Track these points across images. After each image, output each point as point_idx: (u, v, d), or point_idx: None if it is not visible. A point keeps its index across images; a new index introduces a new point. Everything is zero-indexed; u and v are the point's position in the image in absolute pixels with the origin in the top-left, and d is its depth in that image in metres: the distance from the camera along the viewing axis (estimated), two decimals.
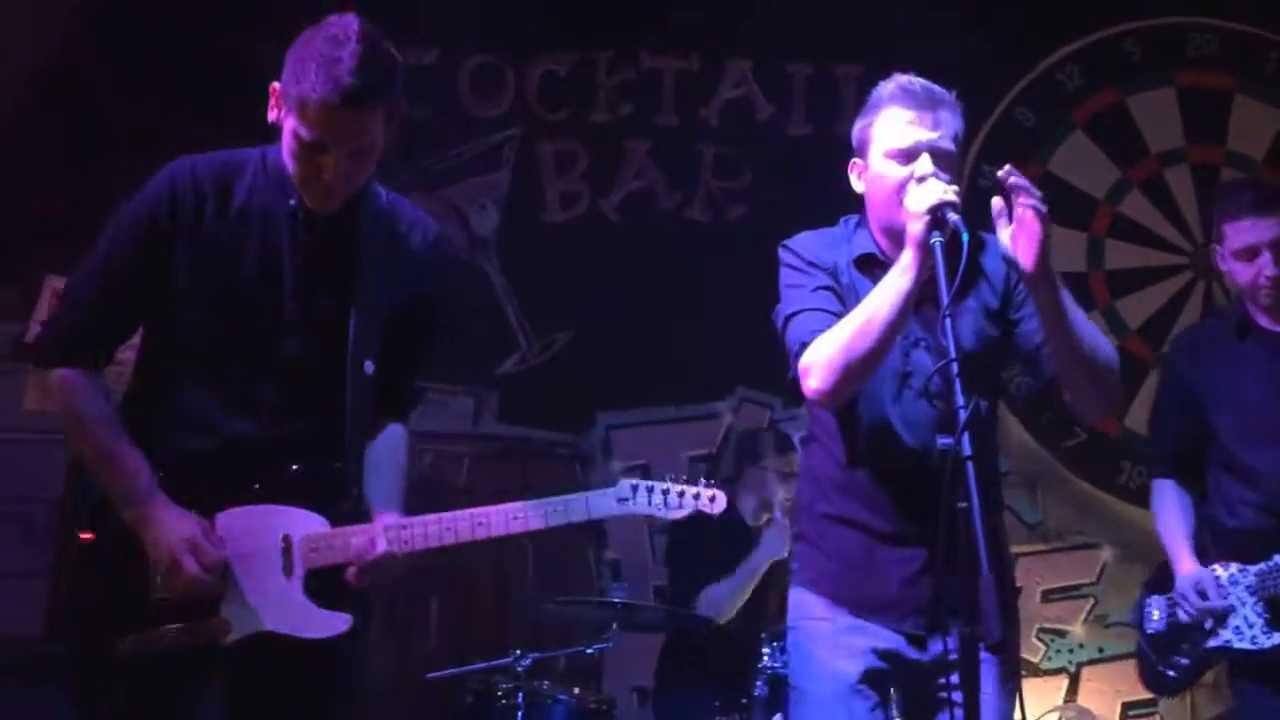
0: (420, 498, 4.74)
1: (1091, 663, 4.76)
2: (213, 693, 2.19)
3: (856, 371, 2.12)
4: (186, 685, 2.14)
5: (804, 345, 2.16)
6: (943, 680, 2.20)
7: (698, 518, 4.35)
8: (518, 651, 3.60)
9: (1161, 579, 3.20)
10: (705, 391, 4.86)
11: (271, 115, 2.14)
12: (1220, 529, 3.07)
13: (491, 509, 2.27)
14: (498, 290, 4.86)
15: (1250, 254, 2.97)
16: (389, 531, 2.20)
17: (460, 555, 4.63)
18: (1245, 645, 2.91)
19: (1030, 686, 4.68)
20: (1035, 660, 4.77)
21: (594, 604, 4.03)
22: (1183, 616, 3.04)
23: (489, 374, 4.80)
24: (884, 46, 4.66)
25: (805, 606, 2.31)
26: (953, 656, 2.14)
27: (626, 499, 2.34)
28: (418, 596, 4.63)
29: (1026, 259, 2.06)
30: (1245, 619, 2.93)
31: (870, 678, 2.22)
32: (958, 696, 2.13)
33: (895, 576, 2.23)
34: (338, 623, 2.18)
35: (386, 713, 4.42)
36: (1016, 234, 2.06)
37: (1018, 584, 4.64)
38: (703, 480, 2.41)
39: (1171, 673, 3.08)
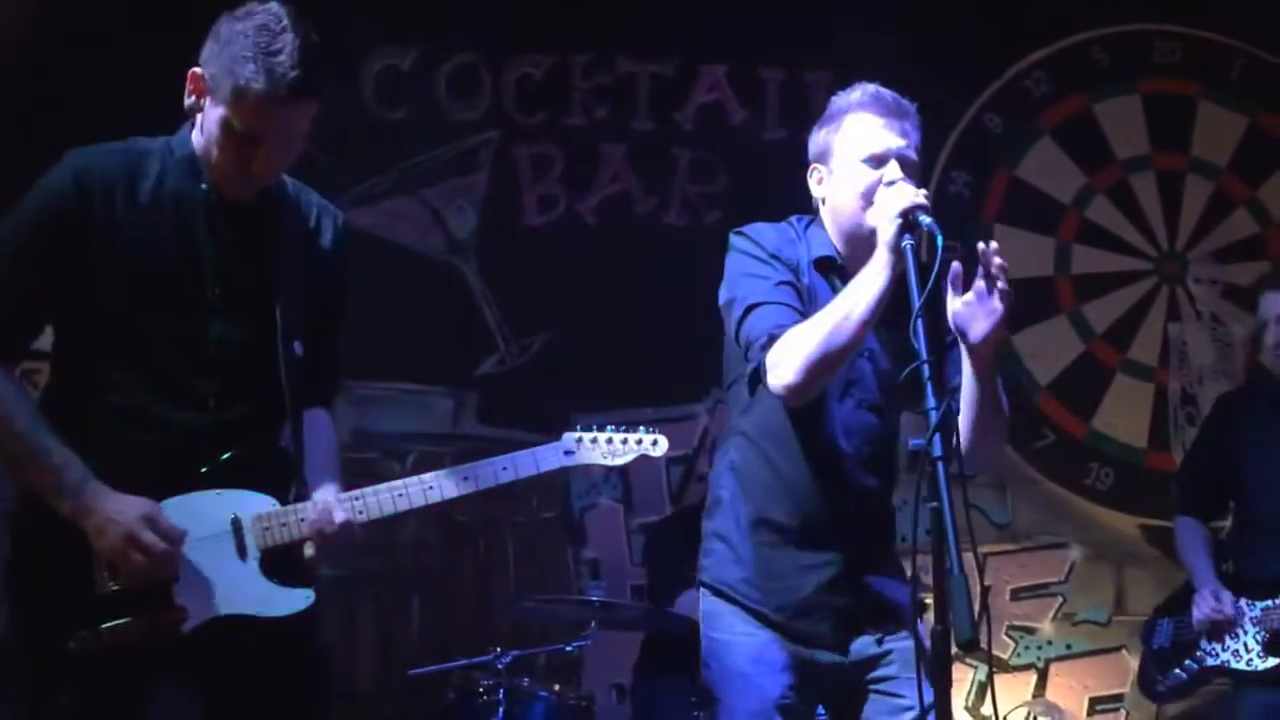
0: None
1: (1059, 659, 4.82)
2: (171, 686, 2.11)
3: (828, 367, 2.12)
4: (144, 681, 2.05)
5: (772, 337, 2.14)
6: (870, 675, 2.26)
7: (676, 516, 4.48)
8: (498, 649, 3.62)
9: (1173, 604, 3.52)
10: (682, 393, 4.89)
11: (189, 101, 2.08)
12: (1235, 569, 3.39)
13: (441, 472, 2.24)
14: (475, 292, 4.89)
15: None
16: (344, 503, 2.14)
17: (442, 555, 4.73)
18: (1242, 666, 3.25)
19: (1000, 683, 4.78)
20: (1004, 657, 4.83)
21: (573, 603, 4.06)
22: (1196, 615, 3.34)
23: (468, 375, 4.82)
24: (854, 53, 4.72)
25: (721, 619, 2.29)
26: (885, 651, 2.24)
27: (572, 451, 2.34)
28: (400, 595, 4.65)
29: (978, 332, 2.07)
30: (1245, 644, 3.25)
31: (793, 692, 2.23)
32: (891, 688, 2.22)
33: (811, 580, 2.24)
34: (299, 599, 2.12)
35: (369, 710, 4.44)
36: (973, 307, 2.07)
37: (986, 582, 4.80)
38: (643, 427, 2.40)
39: (1169, 683, 3.42)
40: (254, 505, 2.10)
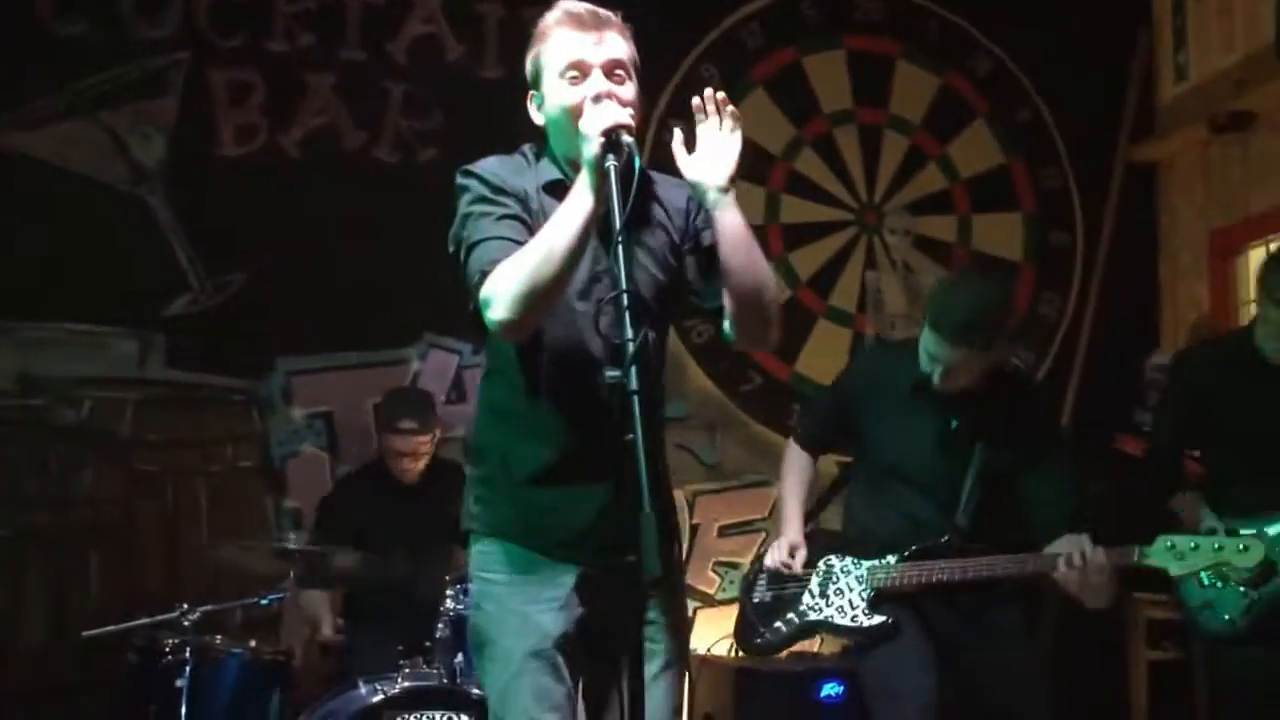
0: (79, 447, 4.45)
1: None
2: None
3: (540, 300, 2.05)
4: None
5: (484, 274, 2.08)
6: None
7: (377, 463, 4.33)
8: (184, 605, 3.44)
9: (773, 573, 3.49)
10: (392, 337, 4.74)
11: None
12: (855, 528, 3.42)
13: None
14: (164, 226, 4.55)
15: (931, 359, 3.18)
16: None
17: (123, 509, 4.40)
18: (844, 622, 3.28)
19: (705, 617, 4.92)
20: (711, 592, 4.98)
21: (270, 552, 3.86)
22: (768, 560, 3.42)
23: (155, 315, 4.50)
24: None
25: (495, 560, 2.24)
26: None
27: None
28: (76, 553, 4.33)
29: (723, 171, 2.09)
30: (850, 601, 3.28)
31: (573, 628, 2.19)
32: (648, 633, 2.18)
33: (582, 512, 2.19)
34: None
35: (40, 675, 4.12)
36: (708, 151, 2.09)
37: (695, 520, 4.93)
38: None
39: (769, 635, 3.43)
40: None
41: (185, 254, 4.56)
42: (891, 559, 3.26)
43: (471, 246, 2.14)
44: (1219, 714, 3.73)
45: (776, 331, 2.28)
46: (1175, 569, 2.94)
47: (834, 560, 3.37)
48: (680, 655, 2.26)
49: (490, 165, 2.24)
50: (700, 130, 2.09)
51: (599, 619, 2.21)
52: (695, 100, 2.09)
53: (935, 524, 3.22)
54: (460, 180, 2.23)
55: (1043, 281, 5.39)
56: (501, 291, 2.04)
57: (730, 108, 2.10)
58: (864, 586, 3.27)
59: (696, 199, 2.20)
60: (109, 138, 4.51)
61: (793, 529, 3.44)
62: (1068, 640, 4.64)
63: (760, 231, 5.09)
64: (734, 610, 4.90)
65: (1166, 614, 4.59)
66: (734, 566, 5.01)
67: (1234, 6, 5.01)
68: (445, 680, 3.43)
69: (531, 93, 2.26)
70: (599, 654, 2.23)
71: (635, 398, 1.81)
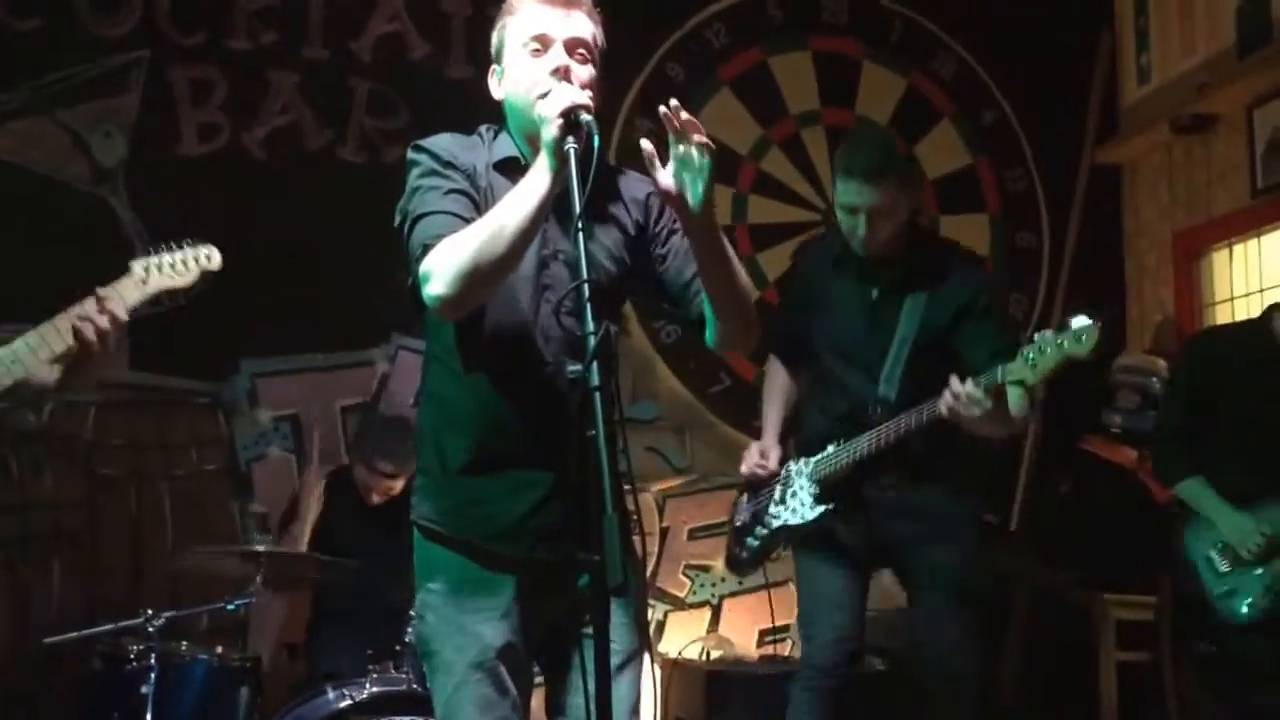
0: (40, 451, 4.37)
1: (732, 595, 4.98)
2: None
3: (484, 279, 1.99)
4: None
5: (426, 248, 2.02)
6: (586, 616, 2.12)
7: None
8: (149, 611, 3.38)
9: (752, 485, 3.56)
10: (358, 339, 4.69)
11: None
12: (807, 427, 3.46)
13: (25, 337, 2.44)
14: (126, 226, 4.48)
15: (851, 211, 3.21)
16: None
17: (86, 514, 4.33)
18: (796, 520, 3.31)
19: (676, 620, 4.92)
20: (681, 595, 4.97)
21: (235, 555, 3.82)
22: (742, 468, 3.51)
23: None
24: None
25: (434, 566, 2.19)
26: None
27: (145, 279, 2.64)
28: (38, 560, 4.25)
29: (698, 192, 2.01)
30: (800, 500, 3.32)
31: (516, 637, 2.14)
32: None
33: (520, 501, 2.14)
34: None
35: (0, 685, 4.04)
36: (684, 182, 2.02)
37: (665, 523, 4.91)
38: (188, 240, 2.74)
39: (745, 553, 3.52)
40: None
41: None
42: (831, 448, 3.28)
43: (416, 219, 2.09)
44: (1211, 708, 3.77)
45: (759, 332, 2.28)
46: (1031, 378, 2.90)
47: (791, 465, 3.40)
48: (639, 649, 2.20)
49: (442, 141, 2.19)
50: (673, 156, 2.02)
51: (544, 622, 2.18)
52: (663, 109, 2.00)
53: (872, 399, 3.23)
54: (411, 155, 2.19)
55: (1010, 283, 5.43)
56: (443, 266, 1.98)
57: (699, 137, 1.99)
58: (810, 483, 3.30)
59: (660, 203, 2.18)
60: (69, 136, 4.44)
61: (768, 436, 3.51)
62: (1038, 640, 4.67)
63: (728, 232, 5.12)
64: (705, 613, 4.96)
65: (1136, 615, 4.64)
66: (705, 569, 5.00)
67: (1195, 9, 5.07)
68: (414, 685, 3.40)
69: (493, 67, 2.23)
70: (552, 656, 2.22)
71: (597, 393, 1.77)
